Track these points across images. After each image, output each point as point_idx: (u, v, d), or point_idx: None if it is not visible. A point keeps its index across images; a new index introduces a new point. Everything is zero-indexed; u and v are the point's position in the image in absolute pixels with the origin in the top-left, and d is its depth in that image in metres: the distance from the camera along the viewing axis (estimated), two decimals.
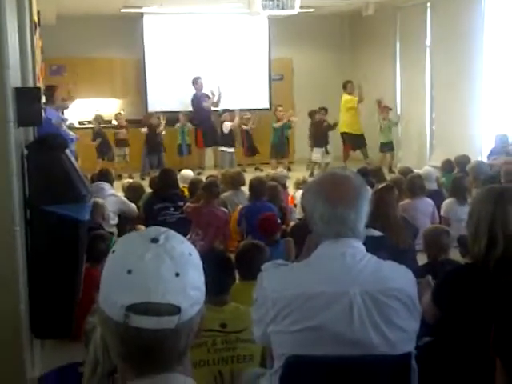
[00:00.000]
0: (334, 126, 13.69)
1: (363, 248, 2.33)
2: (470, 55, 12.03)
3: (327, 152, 13.55)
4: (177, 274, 1.33)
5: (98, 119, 13.42)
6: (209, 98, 13.92)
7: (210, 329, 3.18)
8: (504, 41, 11.66)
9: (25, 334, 3.40)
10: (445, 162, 9.43)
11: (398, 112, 14.29)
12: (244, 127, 14.06)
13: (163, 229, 1.42)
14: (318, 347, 2.22)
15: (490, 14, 11.90)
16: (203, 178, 8.88)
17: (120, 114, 13.91)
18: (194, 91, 14.00)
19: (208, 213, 6.82)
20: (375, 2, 13.25)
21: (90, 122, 13.90)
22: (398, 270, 2.36)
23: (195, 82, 13.92)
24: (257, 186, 7.15)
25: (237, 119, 13.69)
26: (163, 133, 13.57)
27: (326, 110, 13.72)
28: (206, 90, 14.05)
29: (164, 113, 13.95)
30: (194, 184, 7.90)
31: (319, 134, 13.56)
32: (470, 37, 12.01)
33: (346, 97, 13.76)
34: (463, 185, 7.31)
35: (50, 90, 9.79)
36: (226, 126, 13.51)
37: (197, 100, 13.85)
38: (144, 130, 13.41)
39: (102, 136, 13.23)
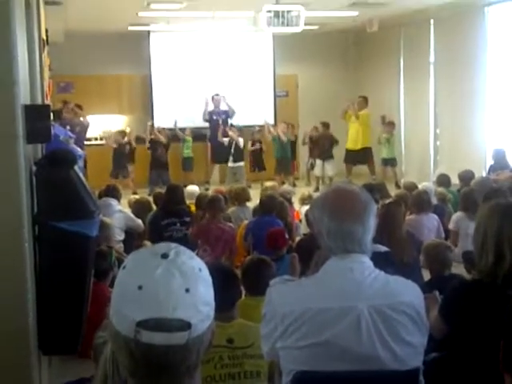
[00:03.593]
0: (336, 142, 13.77)
1: (371, 263, 2.33)
2: (474, 72, 12.08)
3: (333, 158, 13.62)
4: (187, 290, 1.33)
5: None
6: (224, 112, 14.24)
7: (216, 344, 3.16)
8: (507, 57, 11.70)
9: (33, 351, 3.40)
10: (440, 176, 9.39)
11: (402, 128, 14.31)
12: (253, 147, 14.19)
13: (173, 244, 1.42)
14: (326, 363, 2.22)
15: (492, 31, 11.97)
16: (210, 193, 8.90)
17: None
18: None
19: (216, 228, 6.84)
20: (379, 18, 13.32)
21: (96, 139, 13.95)
22: (405, 284, 2.36)
23: (213, 98, 14.28)
24: (267, 202, 7.17)
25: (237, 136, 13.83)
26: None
27: (327, 125, 13.78)
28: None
29: (170, 130, 14.02)
30: (200, 199, 7.91)
31: (323, 147, 13.63)
32: (474, 54, 12.08)
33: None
34: (473, 199, 7.08)
35: (59, 111, 9.94)
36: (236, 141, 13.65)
37: (211, 116, 14.17)
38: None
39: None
